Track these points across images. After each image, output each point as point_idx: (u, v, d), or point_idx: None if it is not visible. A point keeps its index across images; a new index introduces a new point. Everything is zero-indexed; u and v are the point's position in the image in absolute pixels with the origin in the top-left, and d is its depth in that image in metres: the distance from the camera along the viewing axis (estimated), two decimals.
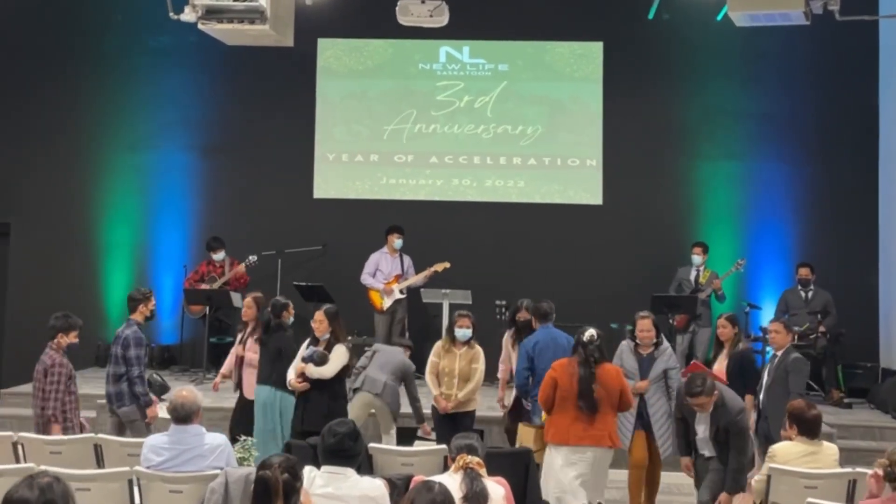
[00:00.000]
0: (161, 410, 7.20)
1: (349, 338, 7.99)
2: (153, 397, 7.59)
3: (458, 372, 7.70)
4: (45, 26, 12.21)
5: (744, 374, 7.61)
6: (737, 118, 11.80)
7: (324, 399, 7.38)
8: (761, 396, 7.44)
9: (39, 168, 12.14)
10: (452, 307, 10.05)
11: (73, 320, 7.10)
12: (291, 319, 8.02)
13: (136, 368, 7.33)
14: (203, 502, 4.87)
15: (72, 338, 7.06)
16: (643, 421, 7.36)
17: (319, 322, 7.58)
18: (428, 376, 7.89)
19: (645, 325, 7.43)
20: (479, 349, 7.84)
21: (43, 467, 5.45)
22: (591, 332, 6.52)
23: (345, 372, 7.56)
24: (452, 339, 7.81)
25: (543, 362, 7.21)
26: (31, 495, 3.15)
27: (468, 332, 7.77)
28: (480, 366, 7.79)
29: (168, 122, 12.21)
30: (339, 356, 7.46)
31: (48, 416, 6.92)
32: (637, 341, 7.49)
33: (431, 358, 7.91)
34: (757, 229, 11.71)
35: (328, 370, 7.39)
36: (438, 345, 7.96)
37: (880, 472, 4.43)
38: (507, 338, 8.47)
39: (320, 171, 12.19)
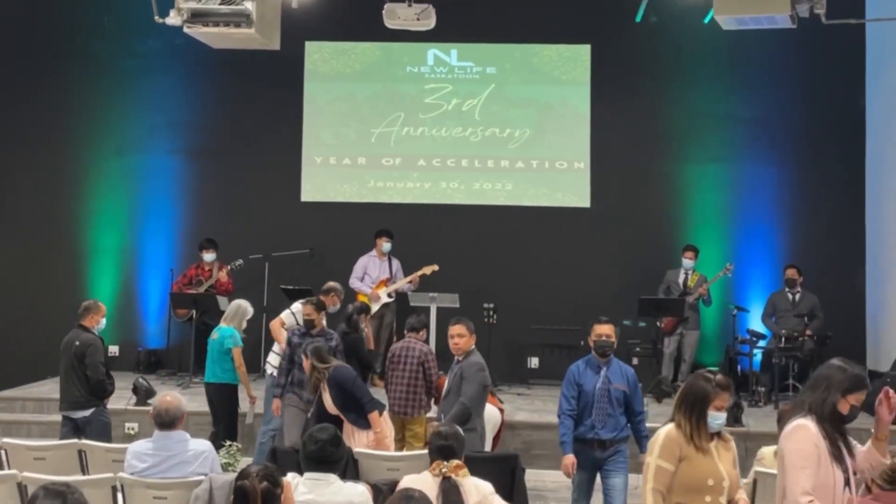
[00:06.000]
0: None
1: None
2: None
3: (729, 478, 4.29)
4: (32, 30, 12.15)
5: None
6: (724, 121, 11.82)
7: None
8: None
9: (26, 171, 12.09)
10: (440, 311, 10.01)
11: None
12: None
13: None
14: None
15: None
16: None
17: None
18: (651, 497, 4.21)
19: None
20: (729, 437, 4.48)
21: (26, 474, 5.45)
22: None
23: None
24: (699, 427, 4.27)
25: None
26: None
27: (722, 417, 4.35)
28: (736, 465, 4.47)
29: (155, 126, 12.17)
30: None
31: None
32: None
33: (658, 463, 4.22)
34: (744, 232, 11.73)
35: None
36: (665, 438, 4.25)
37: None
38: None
39: (308, 175, 12.16)
